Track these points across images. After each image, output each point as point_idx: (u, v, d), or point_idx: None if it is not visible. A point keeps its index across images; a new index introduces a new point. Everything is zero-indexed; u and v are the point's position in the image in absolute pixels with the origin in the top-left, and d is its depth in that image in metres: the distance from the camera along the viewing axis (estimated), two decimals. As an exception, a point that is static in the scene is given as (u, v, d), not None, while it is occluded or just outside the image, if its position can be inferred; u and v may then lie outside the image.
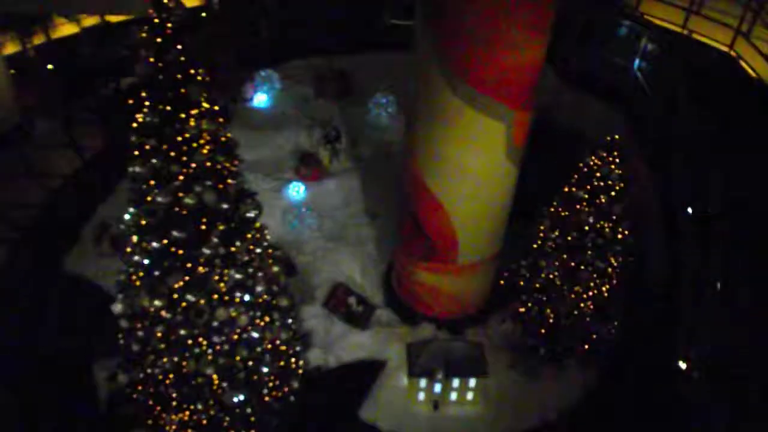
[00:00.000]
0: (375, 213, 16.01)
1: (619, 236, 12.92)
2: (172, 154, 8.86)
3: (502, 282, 14.45)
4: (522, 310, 13.91)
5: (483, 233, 13.05)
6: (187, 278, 9.83)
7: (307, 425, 12.56)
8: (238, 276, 10.19)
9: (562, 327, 13.62)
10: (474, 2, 9.81)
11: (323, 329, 13.99)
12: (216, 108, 9.23)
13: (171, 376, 10.97)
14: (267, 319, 11.05)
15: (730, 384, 12.65)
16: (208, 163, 9.19)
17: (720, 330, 13.49)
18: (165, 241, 9.52)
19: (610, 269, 13.09)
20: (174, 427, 11.57)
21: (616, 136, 12.36)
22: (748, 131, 15.15)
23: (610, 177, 12.35)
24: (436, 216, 12.56)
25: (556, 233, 13.02)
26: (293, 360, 12.34)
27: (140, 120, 8.73)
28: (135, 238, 9.72)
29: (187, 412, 11.37)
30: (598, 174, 12.39)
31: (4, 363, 12.97)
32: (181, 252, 9.64)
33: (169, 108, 8.62)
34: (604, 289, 13.29)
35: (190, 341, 10.42)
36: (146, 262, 9.79)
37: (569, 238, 12.89)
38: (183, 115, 8.73)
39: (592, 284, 13.18)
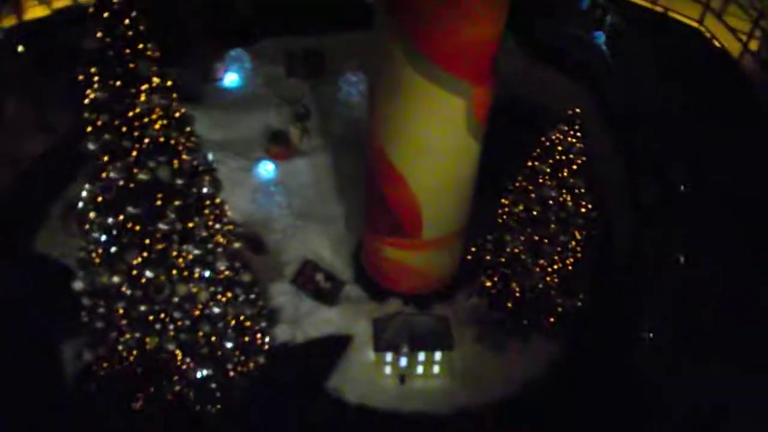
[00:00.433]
0: None
1: (582, 210, 13.08)
2: (124, 129, 8.89)
3: (468, 257, 14.60)
4: (488, 284, 14.07)
5: (447, 208, 13.15)
6: (145, 254, 9.90)
7: (274, 400, 12.67)
8: (197, 252, 10.28)
9: (528, 301, 13.79)
10: (429, -25, 9.85)
11: (291, 305, 14.09)
12: (169, 83, 9.26)
13: (135, 352, 11.09)
14: (229, 294, 11.15)
15: (690, 355, 12.91)
16: (162, 139, 9.23)
17: (680, 302, 13.74)
18: (121, 217, 9.58)
19: (573, 243, 13.24)
20: (140, 403, 11.70)
21: (577, 110, 12.49)
22: (714, 107, 15.27)
23: (571, 151, 12.47)
24: (400, 191, 12.64)
25: (520, 207, 13.14)
26: (258, 335, 12.48)
27: (91, 96, 8.74)
28: (92, 215, 9.78)
29: (153, 389, 11.50)
30: (560, 148, 12.52)
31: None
32: (137, 228, 9.71)
33: (119, 83, 8.63)
34: (568, 262, 13.46)
35: (151, 317, 10.53)
36: (104, 238, 9.85)
37: (533, 213, 13.03)
38: (133, 90, 8.76)
39: (556, 258, 13.34)
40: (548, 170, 12.63)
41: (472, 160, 12.67)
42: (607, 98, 15.93)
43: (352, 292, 14.66)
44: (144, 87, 8.76)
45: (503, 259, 13.67)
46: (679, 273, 14.35)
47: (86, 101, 8.85)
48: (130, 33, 8.41)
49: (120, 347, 11.05)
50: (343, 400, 12.96)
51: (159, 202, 9.55)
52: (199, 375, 11.33)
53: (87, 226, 9.97)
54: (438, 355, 13.08)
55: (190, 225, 10.03)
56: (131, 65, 8.56)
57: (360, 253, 15.14)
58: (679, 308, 13.95)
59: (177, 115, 9.48)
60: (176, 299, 10.40)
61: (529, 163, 12.83)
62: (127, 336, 10.79)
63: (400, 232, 13.32)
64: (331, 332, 13.86)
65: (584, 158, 12.59)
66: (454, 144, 12.02)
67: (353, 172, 16.31)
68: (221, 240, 10.72)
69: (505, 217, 13.45)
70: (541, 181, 12.76)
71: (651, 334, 14.07)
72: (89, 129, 9.00)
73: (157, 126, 9.04)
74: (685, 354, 13.21)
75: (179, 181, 9.59)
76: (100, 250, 10.04)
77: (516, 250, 13.43)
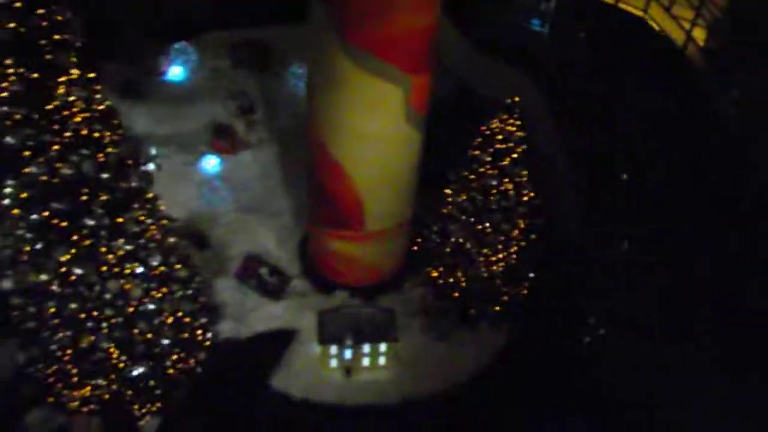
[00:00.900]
0: None
1: (525, 198, 13.14)
2: (43, 123, 8.65)
3: (416, 248, 14.59)
4: (434, 274, 14.07)
5: (390, 199, 13.08)
6: (73, 251, 9.67)
7: (217, 396, 12.51)
8: (128, 247, 10.07)
9: (473, 290, 13.82)
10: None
11: (236, 301, 13.93)
12: (91, 75, 9.04)
13: (69, 351, 10.84)
14: (164, 290, 10.95)
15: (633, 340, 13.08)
16: (84, 132, 9.00)
17: (624, 287, 13.91)
18: (46, 213, 9.33)
19: (516, 231, 13.30)
20: (76, 403, 11.46)
21: (516, 99, 12.52)
22: (658, 95, 15.44)
23: (511, 139, 12.51)
24: (341, 183, 12.54)
25: (463, 197, 13.15)
26: (199, 332, 12.29)
27: (6, 88, 8.46)
28: (16, 211, 9.49)
29: (89, 388, 11.28)
30: (500, 137, 12.55)
31: None
32: (64, 224, 9.47)
33: (36, 75, 8.38)
34: (512, 251, 13.52)
35: (83, 315, 10.30)
36: (29, 235, 9.58)
37: (475, 202, 13.05)
38: (51, 83, 8.51)
39: (500, 246, 13.39)
40: (489, 159, 12.68)
41: (413, 150, 12.61)
42: (550, 87, 15.99)
43: (298, 285, 14.55)
44: (62, 79, 8.51)
45: (448, 249, 13.68)
46: (624, 259, 14.54)
47: (3, 94, 8.55)
48: (45, 23, 8.15)
49: (53, 347, 10.80)
50: (288, 395, 12.85)
51: (84, 197, 9.32)
52: (135, 373, 11.10)
53: (11, 223, 9.65)
54: (383, 347, 13.04)
55: (120, 220, 9.80)
56: (48, 56, 8.30)
57: (306, 246, 15.01)
58: (624, 295, 14.15)
59: (101, 107, 9.23)
60: (108, 296, 10.19)
61: (471, 153, 12.86)
62: (60, 335, 10.54)
63: (343, 224, 13.23)
64: (277, 326, 13.73)
65: (525, 147, 12.67)
66: (393, 134, 11.93)
67: (300, 166, 16.11)
68: (154, 235, 10.50)
69: (449, 207, 13.46)
70: (482, 170, 12.79)
71: (600, 330, 14.24)
72: (7, 123, 8.72)
73: (78, 119, 8.79)
74: (630, 341, 13.40)
75: (105, 175, 9.36)
76: (27, 248, 9.78)
77: (461, 240, 13.46)
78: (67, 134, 8.84)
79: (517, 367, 13.86)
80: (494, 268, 13.58)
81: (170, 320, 11.28)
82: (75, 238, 9.59)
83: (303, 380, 13.04)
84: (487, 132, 12.55)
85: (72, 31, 8.61)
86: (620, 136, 15.36)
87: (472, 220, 13.14)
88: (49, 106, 8.57)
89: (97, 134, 9.15)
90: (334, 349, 12.89)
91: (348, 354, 12.90)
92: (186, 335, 11.85)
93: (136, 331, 10.84)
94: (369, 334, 12.86)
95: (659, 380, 12.03)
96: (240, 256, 14.70)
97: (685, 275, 12.45)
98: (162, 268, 10.79)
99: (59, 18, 8.35)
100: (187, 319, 11.73)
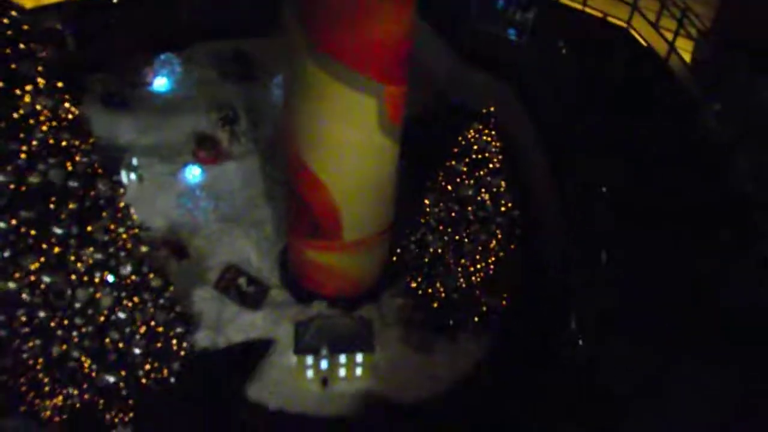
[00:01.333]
0: None
1: (503, 209, 13.14)
2: (8, 132, 8.69)
3: (394, 258, 14.58)
4: (413, 285, 14.04)
5: (367, 209, 13.09)
6: (42, 259, 9.68)
7: (191, 406, 12.46)
8: (98, 256, 10.07)
9: (452, 300, 13.79)
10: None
11: (214, 311, 13.91)
12: (59, 84, 9.09)
13: (40, 360, 10.83)
14: (136, 299, 10.94)
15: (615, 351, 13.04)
16: (51, 141, 9.04)
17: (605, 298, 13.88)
18: (14, 222, 9.35)
19: (494, 242, 13.28)
20: (48, 412, 11.43)
21: (492, 108, 12.56)
22: (639, 104, 15.49)
23: (487, 149, 12.53)
24: (317, 193, 12.55)
25: (440, 207, 13.15)
26: (174, 341, 12.26)
27: (-28, 97, 8.52)
28: (-15, 220, 9.52)
29: (61, 397, 11.25)
30: (476, 147, 12.57)
31: None
32: (33, 232, 9.49)
33: (0, 84, 8.44)
34: (490, 261, 13.50)
35: (53, 324, 10.29)
36: (-2, 243, 9.61)
37: (452, 213, 13.05)
38: (18, 92, 8.56)
39: (478, 257, 13.37)
40: (465, 169, 12.69)
41: (389, 160, 12.63)
42: (530, 97, 16.07)
43: (277, 296, 14.53)
44: (28, 88, 8.55)
45: (427, 260, 13.67)
46: (603, 270, 14.52)
47: (-32, 103, 8.61)
48: (10, 32, 8.21)
49: (25, 355, 10.79)
50: (263, 405, 12.80)
51: (52, 206, 9.34)
52: (107, 382, 11.07)
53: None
54: (360, 357, 13.00)
55: (89, 229, 9.82)
56: (12, 65, 8.36)
57: (286, 256, 15.01)
58: (604, 305, 14.12)
59: (70, 116, 9.27)
60: (78, 305, 10.18)
61: (447, 163, 12.88)
62: (30, 344, 10.53)
63: (320, 234, 13.24)
64: (254, 337, 13.70)
65: (501, 157, 12.69)
66: (367, 144, 11.96)
67: (282, 176, 16.19)
68: (125, 244, 10.52)
69: (427, 217, 13.47)
70: (458, 180, 12.80)
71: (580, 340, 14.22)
72: (-26, 131, 8.77)
73: (44, 128, 8.82)
74: (611, 352, 13.36)
75: (73, 184, 9.39)
76: (-3, 256, 9.80)
77: (439, 251, 13.44)
78: (34, 143, 8.86)
79: (496, 378, 13.81)
80: (473, 278, 13.57)
81: (143, 330, 11.26)
82: (44, 246, 9.60)
83: (279, 390, 12.99)
84: (463, 142, 12.58)
85: (39, 41, 8.62)
86: (602, 147, 15.43)
87: (450, 230, 13.15)
88: (15, 115, 8.58)
89: (64, 143, 9.17)
90: (310, 360, 12.85)
91: (324, 364, 12.86)
92: (160, 345, 11.83)
93: (107, 340, 10.82)
94: (345, 344, 12.83)
95: (646, 385, 12.06)
96: (220, 266, 14.71)
97: (667, 281, 12.50)
98: (134, 277, 10.79)
99: (24, 27, 8.38)
100: (160, 329, 11.71)
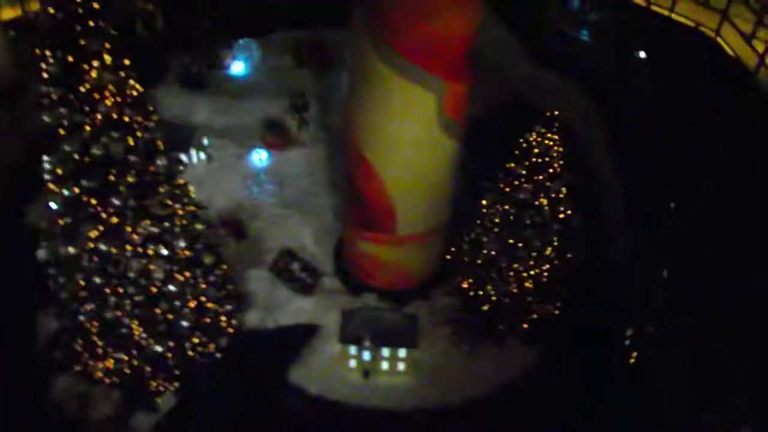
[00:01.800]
0: None
1: (561, 216, 12.80)
2: (76, 104, 9.13)
3: (448, 257, 14.47)
4: (464, 285, 13.91)
5: (422, 205, 13.03)
6: (100, 228, 10.14)
7: (234, 383, 12.79)
8: (153, 229, 10.46)
9: (503, 305, 13.57)
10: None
11: (267, 293, 14.21)
12: (126, 62, 9.46)
13: (95, 324, 11.36)
14: (188, 274, 11.31)
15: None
16: (115, 115, 9.43)
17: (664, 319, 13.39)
18: (77, 190, 9.83)
19: (549, 249, 12.96)
20: (100, 374, 11.99)
21: (556, 112, 12.23)
22: (722, 117, 14.78)
23: (549, 153, 12.23)
24: (373, 185, 12.61)
25: (496, 209, 12.95)
26: (223, 318, 12.61)
27: (44, 69, 8.99)
28: (51, 186, 10.05)
29: (112, 361, 11.77)
30: (536, 150, 12.29)
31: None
32: (93, 201, 9.95)
33: (70, 59, 8.87)
34: (544, 268, 13.19)
35: (107, 290, 10.78)
36: (62, 210, 10.12)
37: (508, 216, 12.82)
38: (86, 67, 8.98)
39: (532, 263, 13.09)
40: (524, 172, 12.43)
41: (447, 157, 12.53)
42: (607, 104, 15.57)
43: (329, 283, 14.70)
44: (95, 63, 8.95)
45: (479, 261, 13.49)
46: (664, 288, 13.98)
47: (42, 75, 9.09)
48: (81, 10, 8.61)
49: (82, 318, 11.35)
50: (304, 390, 13.00)
51: (112, 178, 9.76)
52: (155, 350, 11.50)
53: (47, 198, 10.22)
54: (402, 352, 12.99)
55: (146, 202, 10.21)
56: (82, 41, 8.77)
57: (342, 246, 15.16)
58: (662, 324, 13.62)
59: (134, 93, 9.64)
60: (131, 274, 10.61)
61: (507, 165, 12.65)
62: (87, 308, 11.06)
63: (375, 227, 13.29)
64: (302, 322, 13.93)
65: (562, 162, 12.35)
66: (426, 140, 11.91)
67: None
68: (181, 220, 10.88)
69: (483, 218, 13.28)
70: (516, 183, 12.56)
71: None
72: (45, 102, 9.25)
73: (108, 102, 9.22)
74: (663, 375, 12.89)
75: (133, 158, 9.78)
76: (61, 222, 10.33)
77: (493, 253, 13.24)
78: (98, 116, 9.27)
79: (542, 388, 13.52)
80: (525, 284, 13.30)
81: (192, 304, 11.64)
82: (103, 216, 10.05)
83: (321, 377, 13.16)
84: (524, 144, 12.33)
85: (105, 19, 8.98)
86: (677, 160, 14.82)
87: (504, 233, 12.93)
88: (82, 89, 9.00)
89: (127, 118, 9.55)
90: (353, 349, 12.95)
91: (367, 356, 12.93)
92: (209, 320, 12.20)
93: (158, 310, 11.24)
94: (389, 337, 12.86)
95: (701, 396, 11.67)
96: (277, 249, 14.99)
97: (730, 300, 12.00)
98: (187, 253, 11.16)
99: (94, 6, 8.77)
100: (210, 305, 12.08)
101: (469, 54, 11.19)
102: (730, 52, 15.31)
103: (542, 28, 16.06)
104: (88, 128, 9.35)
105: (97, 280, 10.55)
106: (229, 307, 12.68)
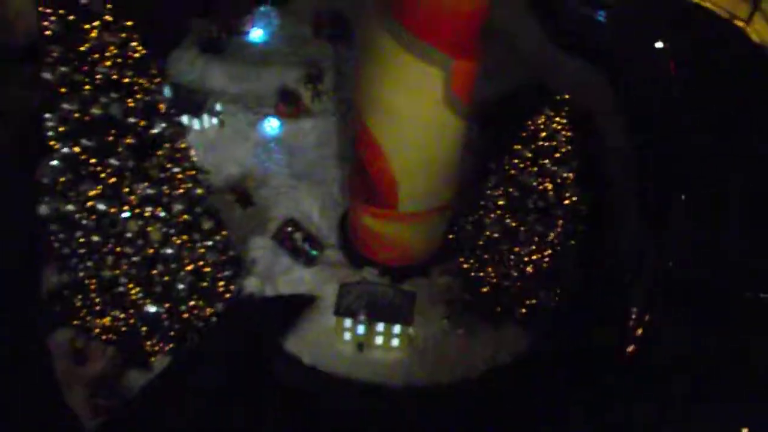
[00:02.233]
0: None
1: (566, 201, 12.62)
2: (76, 63, 9.17)
3: (450, 236, 14.39)
4: (465, 266, 13.84)
5: (425, 183, 12.92)
6: (98, 187, 10.24)
7: (231, 347, 12.93)
8: (150, 191, 10.54)
9: (502, 288, 13.49)
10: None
11: (268, 260, 14.28)
12: (129, 23, 9.47)
13: (93, 281, 11.55)
14: (185, 238, 11.41)
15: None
16: (115, 76, 9.47)
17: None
18: (76, 149, 9.93)
19: (552, 234, 12.80)
20: (97, 330, 12.22)
21: (566, 96, 12.02)
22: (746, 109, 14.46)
23: (556, 138, 12.02)
24: (378, 160, 12.53)
25: (500, 191, 12.81)
26: (221, 283, 12.73)
27: (46, 26, 9.03)
28: (52, 143, 10.15)
29: (109, 318, 11.98)
30: (543, 134, 12.09)
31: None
32: (93, 160, 10.05)
33: (71, 17, 8.89)
34: (545, 253, 13.06)
35: (105, 249, 10.92)
36: (61, 167, 10.24)
37: (511, 199, 12.68)
38: (87, 26, 9.00)
39: (533, 247, 12.96)
40: (530, 155, 12.26)
41: (453, 136, 12.38)
42: (624, 86, 15.21)
43: (331, 256, 14.73)
44: (95, 23, 8.96)
45: (481, 242, 13.40)
46: (670, 281, 13.76)
47: (44, 33, 9.14)
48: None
49: (81, 274, 11.54)
50: (297, 359, 13.11)
51: (111, 138, 9.83)
52: (150, 311, 11.66)
53: (49, 154, 10.33)
54: (397, 328, 13.02)
55: (144, 164, 10.28)
56: (82, 1, 8.78)
57: (347, 219, 15.14)
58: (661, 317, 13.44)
59: (136, 55, 9.65)
60: (129, 235, 10.74)
61: (513, 147, 12.48)
62: (86, 264, 11.24)
63: (378, 202, 13.23)
64: (300, 291, 13.99)
65: (570, 147, 12.14)
66: (431, 117, 11.77)
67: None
68: (180, 183, 10.94)
69: (486, 199, 13.15)
70: (522, 166, 12.39)
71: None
72: (46, 60, 9.31)
73: (108, 63, 9.24)
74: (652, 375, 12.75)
75: (132, 120, 9.83)
76: (62, 179, 10.45)
77: (495, 235, 13.13)
78: (98, 77, 9.31)
79: (534, 373, 13.47)
80: (525, 269, 13.19)
81: (189, 267, 11.75)
82: (101, 175, 10.15)
83: (315, 348, 13.27)
84: (532, 127, 12.13)
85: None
86: (694, 147, 14.52)
87: (507, 216, 12.80)
88: (82, 48, 9.04)
89: (127, 80, 9.57)
90: (348, 322, 13.01)
91: (361, 329, 12.98)
92: (206, 284, 12.32)
93: (154, 272, 11.37)
94: (384, 313, 12.88)
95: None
96: (282, 218, 15.02)
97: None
98: (185, 217, 11.24)
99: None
100: (208, 269, 12.19)
101: (484, 33, 11.02)
102: (757, 40, 14.95)
103: (560, 8, 15.68)
104: (87, 87, 9.40)
105: (95, 238, 10.69)
106: (227, 273, 12.79)
